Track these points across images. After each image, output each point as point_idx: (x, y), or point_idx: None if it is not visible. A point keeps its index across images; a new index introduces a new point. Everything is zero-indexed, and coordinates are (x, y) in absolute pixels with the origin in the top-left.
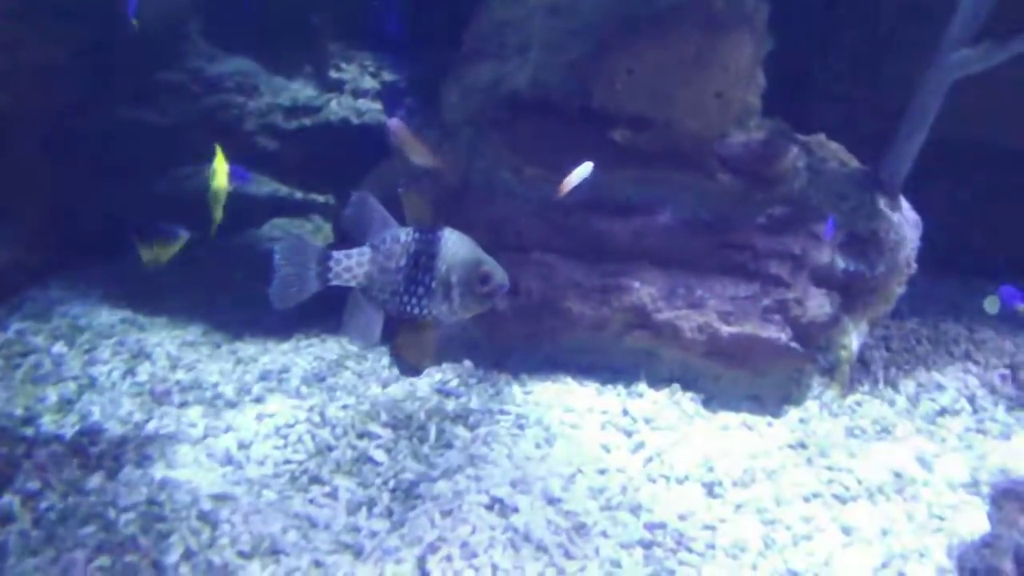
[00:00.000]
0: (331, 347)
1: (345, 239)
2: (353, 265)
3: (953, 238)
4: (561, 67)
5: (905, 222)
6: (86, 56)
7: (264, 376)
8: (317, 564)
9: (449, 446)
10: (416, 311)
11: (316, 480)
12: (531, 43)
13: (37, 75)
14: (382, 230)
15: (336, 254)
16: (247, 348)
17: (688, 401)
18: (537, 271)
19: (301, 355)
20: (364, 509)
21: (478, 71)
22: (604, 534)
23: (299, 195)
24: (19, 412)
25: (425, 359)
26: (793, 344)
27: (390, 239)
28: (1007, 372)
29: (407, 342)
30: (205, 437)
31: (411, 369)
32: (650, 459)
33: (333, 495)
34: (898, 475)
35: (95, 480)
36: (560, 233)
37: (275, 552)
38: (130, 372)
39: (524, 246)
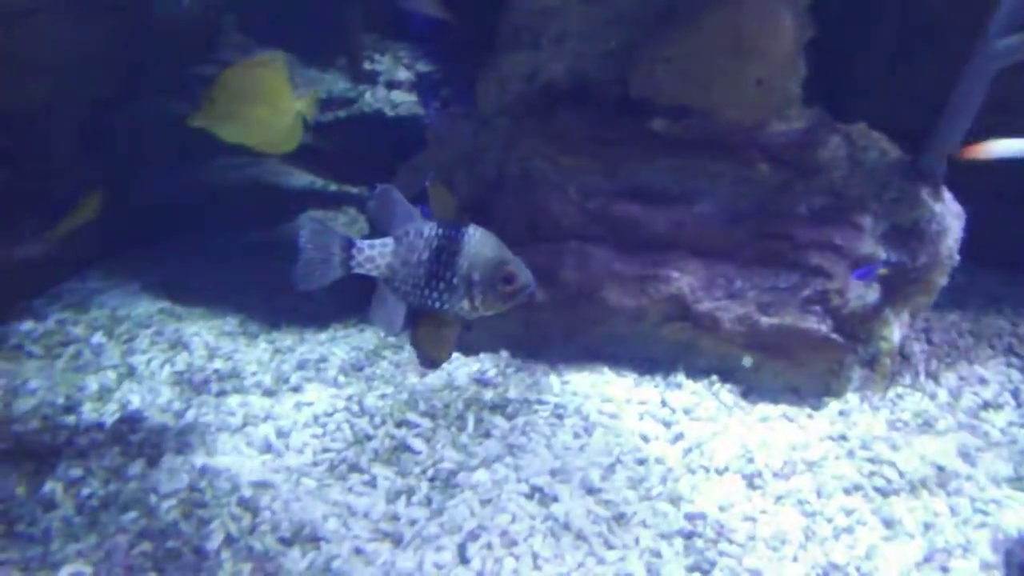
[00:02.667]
0: (368, 337)
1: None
2: (375, 255)
3: (995, 230)
4: (598, 56)
5: (948, 212)
6: (121, 48)
7: (302, 365)
8: (357, 551)
9: (488, 435)
10: (437, 306)
11: (355, 468)
12: (567, 32)
13: (73, 67)
14: (406, 223)
15: (359, 243)
16: (284, 338)
17: (727, 392)
18: (574, 261)
19: (338, 345)
20: (403, 497)
21: (514, 61)
22: (644, 524)
23: (333, 187)
24: (60, 401)
25: (444, 353)
26: (833, 335)
27: (413, 232)
28: None
29: (426, 335)
30: (244, 425)
31: (430, 362)
32: (689, 450)
33: (372, 483)
34: (941, 469)
35: (136, 467)
36: (598, 223)
37: (315, 539)
38: (168, 361)
39: (561, 236)
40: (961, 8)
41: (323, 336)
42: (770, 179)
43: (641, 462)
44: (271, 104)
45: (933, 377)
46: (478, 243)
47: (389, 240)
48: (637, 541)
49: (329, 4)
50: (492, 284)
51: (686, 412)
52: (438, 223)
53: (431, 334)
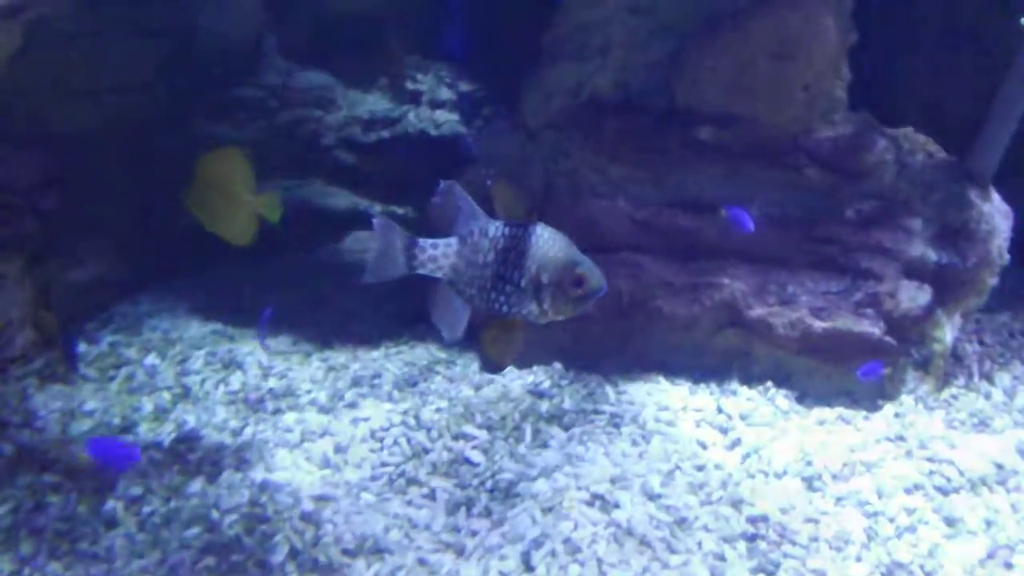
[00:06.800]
0: (420, 354)
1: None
2: (438, 255)
3: None
4: (643, 67)
5: (996, 212)
6: (166, 73)
7: (356, 382)
8: (421, 562)
9: (545, 446)
10: (505, 309)
11: (414, 481)
12: (612, 44)
13: (121, 93)
14: (470, 222)
15: (421, 242)
16: (337, 356)
17: (782, 398)
18: (626, 271)
19: (391, 361)
20: (463, 509)
21: (559, 74)
22: (706, 528)
23: (378, 208)
24: (116, 421)
25: (509, 357)
26: (887, 338)
27: (478, 232)
28: None
29: (494, 338)
30: (302, 441)
31: (494, 366)
32: (748, 455)
33: (431, 496)
34: (1000, 466)
35: (196, 484)
36: (647, 233)
37: (379, 551)
38: (223, 381)
39: (612, 246)
40: (1004, 9)
41: (376, 353)
42: (818, 184)
43: (700, 468)
44: (226, 196)
45: (987, 377)
46: (546, 243)
47: (453, 240)
48: (700, 545)
49: (369, 24)
50: (562, 287)
51: (742, 418)
52: (504, 222)
53: (499, 338)
